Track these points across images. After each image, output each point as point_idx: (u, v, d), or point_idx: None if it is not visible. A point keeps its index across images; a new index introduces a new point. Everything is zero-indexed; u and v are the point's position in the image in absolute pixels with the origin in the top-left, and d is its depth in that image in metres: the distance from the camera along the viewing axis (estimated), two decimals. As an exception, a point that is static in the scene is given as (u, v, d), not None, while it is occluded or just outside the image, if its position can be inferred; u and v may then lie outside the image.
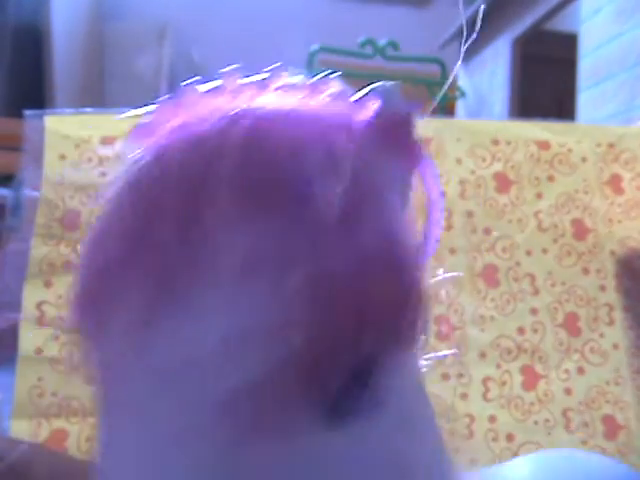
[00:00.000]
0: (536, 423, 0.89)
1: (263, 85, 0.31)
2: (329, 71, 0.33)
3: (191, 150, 0.27)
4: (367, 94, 0.31)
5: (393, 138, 0.30)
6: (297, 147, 0.26)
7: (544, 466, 0.56)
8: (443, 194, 0.34)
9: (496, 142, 1.00)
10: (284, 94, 0.30)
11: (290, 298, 0.24)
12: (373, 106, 0.30)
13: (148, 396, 0.26)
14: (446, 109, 4.18)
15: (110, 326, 0.27)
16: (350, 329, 0.24)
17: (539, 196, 0.99)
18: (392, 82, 0.31)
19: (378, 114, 0.30)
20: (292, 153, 0.26)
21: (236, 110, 0.28)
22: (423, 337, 0.29)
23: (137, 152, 0.29)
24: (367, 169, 0.28)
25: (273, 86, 0.31)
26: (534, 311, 0.94)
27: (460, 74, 4.89)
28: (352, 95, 0.31)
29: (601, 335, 0.95)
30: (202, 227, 0.25)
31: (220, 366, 0.24)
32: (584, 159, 1.02)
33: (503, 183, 0.99)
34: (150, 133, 0.29)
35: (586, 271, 0.97)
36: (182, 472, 0.24)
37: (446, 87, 2.13)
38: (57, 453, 0.70)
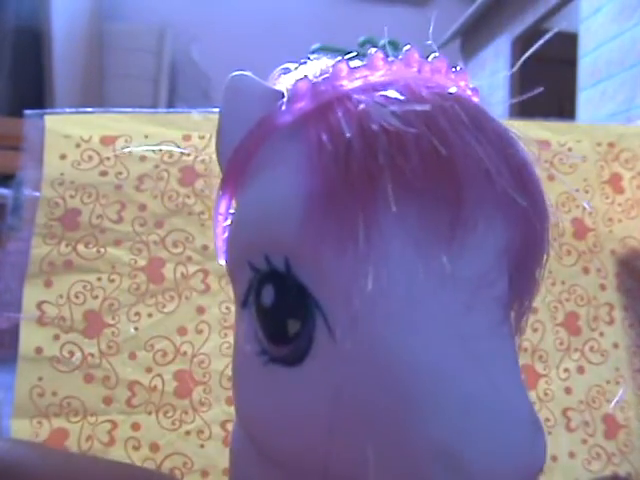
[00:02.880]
0: (536, 422, 0.89)
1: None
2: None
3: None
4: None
5: None
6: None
7: None
8: None
9: (496, 141, 1.00)
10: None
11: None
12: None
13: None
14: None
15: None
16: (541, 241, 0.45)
17: (539, 195, 0.99)
18: None
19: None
20: None
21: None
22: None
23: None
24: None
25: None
26: (534, 310, 0.94)
27: (460, 74, 4.88)
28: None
29: (601, 334, 0.95)
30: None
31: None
32: (584, 158, 1.02)
33: (503, 182, 0.98)
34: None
35: (586, 270, 0.97)
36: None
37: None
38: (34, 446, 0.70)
